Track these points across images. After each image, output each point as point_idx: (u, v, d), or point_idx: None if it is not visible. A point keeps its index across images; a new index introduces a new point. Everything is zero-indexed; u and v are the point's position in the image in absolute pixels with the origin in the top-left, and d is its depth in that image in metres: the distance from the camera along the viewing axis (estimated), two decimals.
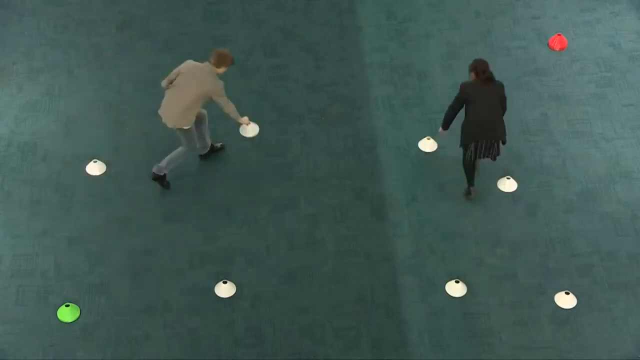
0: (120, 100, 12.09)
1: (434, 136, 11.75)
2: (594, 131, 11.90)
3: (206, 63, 10.60)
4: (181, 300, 10.43)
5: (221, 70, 10.61)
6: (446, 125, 11.03)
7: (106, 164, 11.48)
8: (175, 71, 10.66)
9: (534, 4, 13.24)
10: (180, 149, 10.98)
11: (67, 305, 10.27)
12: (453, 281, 10.54)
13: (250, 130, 11.74)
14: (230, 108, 10.76)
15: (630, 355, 10.07)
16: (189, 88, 10.53)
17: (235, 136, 11.78)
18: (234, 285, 10.48)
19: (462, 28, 12.98)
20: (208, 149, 11.39)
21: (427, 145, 11.72)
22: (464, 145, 10.78)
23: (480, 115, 10.57)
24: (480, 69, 10.58)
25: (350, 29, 12.96)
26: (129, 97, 12.13)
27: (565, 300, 10.43)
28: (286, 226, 11.00)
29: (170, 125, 10.68)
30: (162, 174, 10.99)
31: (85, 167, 11.47)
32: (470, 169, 11.00)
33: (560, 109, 12.10)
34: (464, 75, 12.38)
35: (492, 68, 12.39)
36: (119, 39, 12.72)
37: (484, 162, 11.52)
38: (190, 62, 10.67)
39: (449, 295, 10.49)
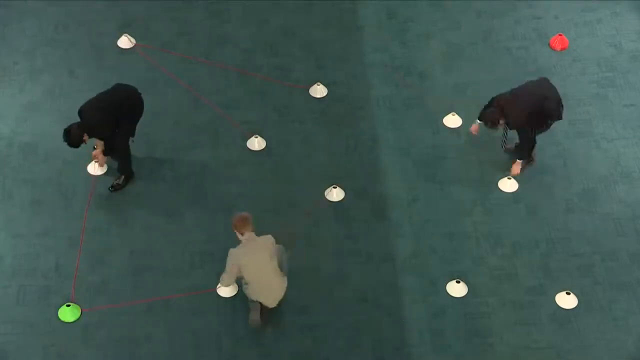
0: None
1: (458, 112, 11.82)
2: (595, 131, 11.88)
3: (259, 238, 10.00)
4: (181, 300, 10.42)
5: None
6: None
7: (107, 164, 11.47)
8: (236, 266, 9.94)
9: (535, 4, 13.23)
10: None
11: (68, 305, 10.28)
12: (454, 281, 10.53)
13: (257, 144, 11.71)
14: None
15: (631, 355, 10.05)
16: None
17: (238, 143, 11.77)
18: (236, 285, 10.47)
19: (463, 28, 12.97)
20: None
21: (452, 121, 11.82)
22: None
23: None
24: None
25: (351, 28, 12.95)
26: None
27: (566, 301, 10.42)
28: (287, 226, 10.99)
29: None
30: None
31: (86, 167, 11.47)
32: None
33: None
34: (465, 75, 12.37)
35: (495, 69, 12.42)
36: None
37: (487, 162, 11.55)
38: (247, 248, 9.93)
39: (450, 295, 10.49)
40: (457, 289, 10.50)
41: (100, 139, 11.07)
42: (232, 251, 9.94)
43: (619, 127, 11.92)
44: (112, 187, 11.27)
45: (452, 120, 11.93)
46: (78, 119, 10.79)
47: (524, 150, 11.24)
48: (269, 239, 9.98)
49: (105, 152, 11.27)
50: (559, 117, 11.08)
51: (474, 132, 11.39)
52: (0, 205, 11.13)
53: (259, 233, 9.94)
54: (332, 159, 11.62)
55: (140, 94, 11.11)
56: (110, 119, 10.82)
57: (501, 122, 10.88)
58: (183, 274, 10.63)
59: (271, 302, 10.16)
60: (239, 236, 9.95)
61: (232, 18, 13.06)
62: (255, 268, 9.94)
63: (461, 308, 10.38)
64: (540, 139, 11.68)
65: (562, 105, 11.06)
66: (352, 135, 11.84)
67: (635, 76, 12.41)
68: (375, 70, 12.48)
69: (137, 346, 10.09)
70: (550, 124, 11.10)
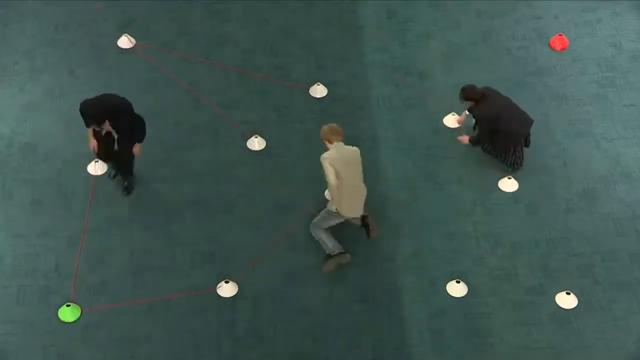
0: None
1: (458, 112, 11.81)
2: (595, 131, 11.89)
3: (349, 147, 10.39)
4: (181, 300, 10.43)
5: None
6: None
7: (107, 164, 11.48)
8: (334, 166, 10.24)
9: (535, 4, 13.23)
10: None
11: (68, 305, 10.28)
12: (454, 281, 10.53)
13: (257, 144, 11.72)
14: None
15: (631, 355, 10.06)
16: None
17: (238, 143, 11.77)
18: (236, 285, 10.48)
19: (463, 28, 12.97)
20: None
21: (452, 121, 11.86)
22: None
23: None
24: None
25: (351, 28, 12.96)
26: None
27: (566, 301, 10.42)
28: (287, 226, 10.99)
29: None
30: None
31: (86, 167, 11.47)
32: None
33: (562, 109, 12.09)
34: (465, 75, 12.37)
35: (495, 69, 12.44)
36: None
37: (487, 162, 11.55)
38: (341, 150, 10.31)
39: (450, 295, 10.49)
40: (457, 289, 10.50)
41: (116, 130, 10.85)
42: (323, 155, 10.20)
43: (619, 127, 11.92)
44: (125, 190, 11.21)
45: (452, 120, 11.93)
46: (78, 119, 10.76)
47: (480, 139, 11.32)
48: (356, 150, 10.35)
49: (105, 157, 11.19)
50: (520, 135, 11.26)
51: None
52: (0, 205, 11.13)
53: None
54: None
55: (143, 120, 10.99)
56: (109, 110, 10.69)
57: (470, 102, 11.05)
58: (183, 274, 10.63)
59: (354, 210, 10.40)
60: (328, 144, 10.27)
61: (232, 18, 13.06)
62: (346, 165, 10.20)
63: (461, 308, 10.39)
64: (540, 138, 11.71)
65: (529, 134, 11.30)
66: (352, 135, 11.83)
67: (635, 76, 12.41)
68: (375, 70, 12.48)
69: (137, 346, 10.09)
70: (513, 143, 11.26)
